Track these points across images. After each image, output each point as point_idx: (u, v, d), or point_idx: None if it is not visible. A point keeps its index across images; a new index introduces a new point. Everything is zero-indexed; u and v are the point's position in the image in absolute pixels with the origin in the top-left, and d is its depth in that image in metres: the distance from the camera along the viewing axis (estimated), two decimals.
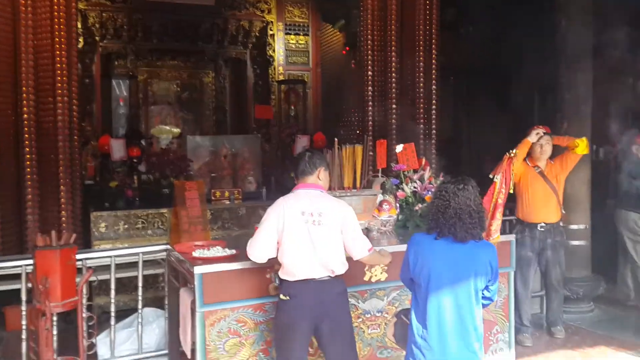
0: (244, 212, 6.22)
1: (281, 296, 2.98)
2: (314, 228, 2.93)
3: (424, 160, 4.73)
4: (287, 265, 2.96)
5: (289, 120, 8.45)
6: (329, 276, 2.98)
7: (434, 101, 6.79)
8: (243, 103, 9.34)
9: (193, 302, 3.19)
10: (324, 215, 2.95)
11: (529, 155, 4.69)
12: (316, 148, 7.36)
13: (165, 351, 4.17)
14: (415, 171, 4.61)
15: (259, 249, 2.97)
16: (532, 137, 4.58)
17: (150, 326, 4.29)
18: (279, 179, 7.47)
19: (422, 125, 6.70)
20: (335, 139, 4.18)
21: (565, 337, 4.84)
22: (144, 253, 4.16)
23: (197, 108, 9.73)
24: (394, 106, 6.72)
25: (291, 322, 2.94)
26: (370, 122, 6.77)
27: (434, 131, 6.83)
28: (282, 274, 3.01)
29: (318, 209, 2.95)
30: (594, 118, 5.51)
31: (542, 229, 4.69)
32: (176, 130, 9.45)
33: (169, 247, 4.00)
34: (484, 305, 2.70)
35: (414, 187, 4.47)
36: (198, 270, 3.14)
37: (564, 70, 5.50)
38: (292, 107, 8.64)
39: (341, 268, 3.02)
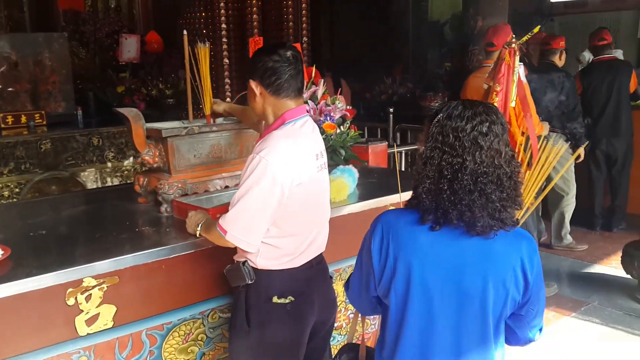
0: (48, 145, 4.44)
1: (275, 299, 1.75)
2: (324, 175, 1.86)
3: (314, 69, 3.29)
4: (290, 243, 1.75)
5: (109, 15, 6.34)
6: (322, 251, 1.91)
7: None
8: None
9: None
10: (324, 153, 1.89)
11: None
12: (149, 52, 5.53)
13: None
14: None
15: (258, 233, 1.68)
16: None
17: None
18: (100, 95, 5.54)
19: (291, 25, 5.20)
20: (185, 32, 2.50)
21: None
22: None
23: None
24: None
25: (295, 337, 1.79)
26: (223, 18, 5.11)
27: (304, 31, 5.40)
28: (273, 262, 1.75)
29: (322, 145, 1.87)
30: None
31: None
32: None
33: None
34: (511, 344, 1.46)
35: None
36: None
37: None
38: None
39: None
